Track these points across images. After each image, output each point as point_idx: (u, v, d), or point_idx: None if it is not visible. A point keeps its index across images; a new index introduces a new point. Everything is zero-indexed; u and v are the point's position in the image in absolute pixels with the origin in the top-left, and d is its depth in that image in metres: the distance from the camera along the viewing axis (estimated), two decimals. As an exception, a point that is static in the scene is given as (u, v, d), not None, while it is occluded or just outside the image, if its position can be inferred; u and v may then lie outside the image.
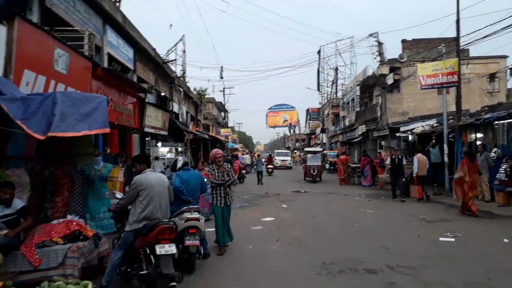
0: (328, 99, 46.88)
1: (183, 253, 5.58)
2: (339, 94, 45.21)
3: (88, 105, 5.31)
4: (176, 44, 29.41)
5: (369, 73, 30.56)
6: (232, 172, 6.86)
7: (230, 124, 62.23)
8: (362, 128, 24.57)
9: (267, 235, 7.98)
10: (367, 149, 21.55)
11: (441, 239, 7.21)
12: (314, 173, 20.40)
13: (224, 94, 48.36)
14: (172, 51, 30.27)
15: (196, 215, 5.77)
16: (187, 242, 5.47)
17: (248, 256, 6.41)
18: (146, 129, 13.69)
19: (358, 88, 31.94)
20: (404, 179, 13.56)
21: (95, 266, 5.52)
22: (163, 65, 20.77)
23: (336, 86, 46.78)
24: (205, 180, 6.79)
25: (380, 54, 21.02)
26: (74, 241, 5.25)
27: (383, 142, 20.12)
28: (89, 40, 10.36)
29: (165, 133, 16.40)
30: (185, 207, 5.84)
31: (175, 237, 4.61)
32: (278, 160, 37.89)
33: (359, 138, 25.43)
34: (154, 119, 14.74)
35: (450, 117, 18.15)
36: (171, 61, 21.70)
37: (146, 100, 14.10)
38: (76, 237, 5.32)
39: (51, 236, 5.17)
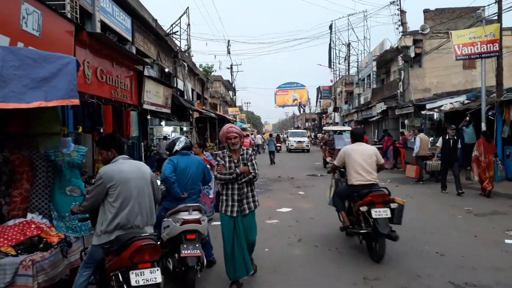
0: (341, 76, 44.87)
1: (179, 266, 4.19)
2: (352, 71, 43.26)
3: (46, 68, 3.85)
4: (180, 17, 27.62)
5: (387, 47, 28.56)
6: (255, 161, 4.38)
7: (238, 103, 60.63)
8: (380, 106, 22.84)
9: (286, 232, 6.56)
10: (388, 128, 19.82)
11: (506, 241, 5.71)
12: None
13: (231, 72, 46.61)
14: (176, 25, 28.56)
15: (196, 215, 4.34)
16: (184, 253, 4.06)
17: (265, 264, 4.99)
18: (146, 106, 12.25)
19: (374, 63, 30.01)
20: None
21: (67, 278, 4.19)
22: (165, 37, 19.13)
23: (349, 62, 44.75)
24: (209, 168, 5.35)
25: (403, 23, 19.10)
26: (31, 251, 3.88)
27: (406, 121, 18.46)
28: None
29: (168, 110, 14.94)
30: (181, 205, 4.41)
31: (159, 258, 3.16)
32: (292, 141, 31.50)
33: (377, 117, 23.74)
34: (154, 95, 13.28)
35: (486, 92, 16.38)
36: (174, 33, 20.03)
37: (145, 74, 12.62)
38: (34, 245, 3.95)
39: None
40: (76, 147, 4.64)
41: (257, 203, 4.60)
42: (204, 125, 23.70)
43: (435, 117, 17.98)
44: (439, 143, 10.43)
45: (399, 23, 19.34)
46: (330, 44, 47.34)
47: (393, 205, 5.14)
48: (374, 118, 24.30)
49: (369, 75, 32.04)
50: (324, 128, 23.54)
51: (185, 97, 20.23)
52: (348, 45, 44.81)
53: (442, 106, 15.84)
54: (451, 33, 12.38)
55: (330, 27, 45.99)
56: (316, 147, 34.95)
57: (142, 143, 12.42)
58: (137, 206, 3.25)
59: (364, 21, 48.21)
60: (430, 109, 16.25)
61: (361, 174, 5.35)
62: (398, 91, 21.89)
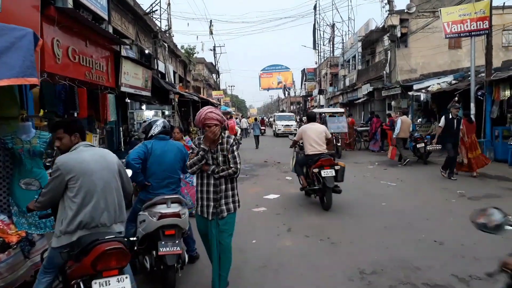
0: (325, 58, 44.34)
1: (157, 264, 3.74)
2: (337, 52, 42.74)
3: (-4, 41, 3.28)
4: (161, -4, 26.59)
5: (372, 27, 28.12)
6: (237, 153, 3.64)
7: (222, 87, 59.63)
8: (366, 88, 22.52)
9: (274, 221, 6.18)
10: (374, 110, 19.50)
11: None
12: (338, 145, 14.37)
13: (214, 54, 45.60)
14: (156, 4, 27.43)
15: (175, 208, 3.87)
16: (162, 250, 3.61)
17: (252, 259, 4.60)
18: (124, 89, 11.58)
19: (359, 44, 29.58)
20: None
21: (32, 280, 3.71)
22: (144, 17, 18.23)
23: (333, 44, 44.20)
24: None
25: (389, 2, 18.62)
26: (-16, 255, 3.38)
27: (393, 103, 18.20)
28: (35, -30, 8.04)
29: (148, 93, 14.27)
30: (158, 197, 3.93)
31: (127, 263, 2.68)
32: (279, 125, 30.78)
33: (363, 99, 23.44)
34: (133, 77, 12.59)
35: (469, 73, 16.19)
36: (154, 11, 19.10)
37: (123, 54, 11.92)
38: (-12, 247, 3.45)
39: None
40: (37, 133, 4.09)
41: (237, 204, 3.89)
42: (188, 109, 23.02)
43: (421, 98, 17.77)
44: (442, 122, 9.65)
45: (386, 1, 18.85)
46: (314, 25, 46.57)
47: (336, 167, 6.80)
48: (360, 100, 24.01)
49: (354, 56, 31.61)
50: (318, 110, 19.67)
51: (167, 80, 19.49)
52: (333, 26, 44.23)
53: (429, 86, 15.60)
54: (440, 10, 11.99)
55: (315, 7, 45.23)
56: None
57: (121, 128, 11.80)
58: (102, 202, 2.76)
59: (348, 1, 47.60)
60: (417, 90, 16.00)
61: (314, 146, 6.97)
62: (384, 72, 21.57)
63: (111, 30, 13.95)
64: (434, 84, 15.40)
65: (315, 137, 6.97)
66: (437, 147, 10.84)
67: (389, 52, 20.06)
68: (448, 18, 11.55)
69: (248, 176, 10.61)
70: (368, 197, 7.70)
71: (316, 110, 20.59)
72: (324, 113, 16.37)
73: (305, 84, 54.61)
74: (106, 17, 13.82)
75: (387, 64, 20.16)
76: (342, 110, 17.88)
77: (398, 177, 9.75)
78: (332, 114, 16.09)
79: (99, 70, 10.05)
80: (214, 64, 48.06)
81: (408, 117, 16.64)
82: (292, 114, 39.17)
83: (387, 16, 19.06)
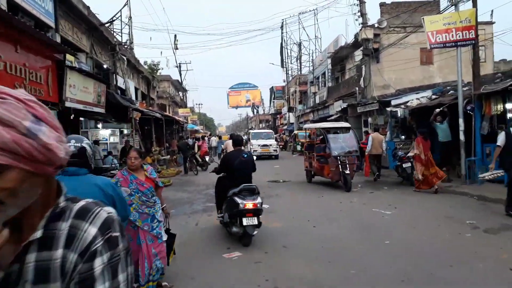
0: (293, 76, 43.88)
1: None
2: (304, 70, 42.39)
3: None
4: (121, 9, 25.00)
5: (342, 43, 27.67)
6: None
7: (189, 105, 57.89)
8: (339, 105, 21.68)
9: (253, 274, 4.64)
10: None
11: None
12: (346, 173, 10.48)
13: (180, 71, 44.03)
14: (117, 18, 25.78)
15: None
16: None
17: None
18: (69, 104, 9.87)
19: (329, 61, 29.03)
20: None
21: None
22: (100, 27, 16.54)
23: (300, 62, 43.90)
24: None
25: (363, 14, 17.99)
26: None
27: (369, 119, 17.32)
28: None
29: (101, 110, 12.53)
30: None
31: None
32: (255, 145, 23.87)
33: (335, 116, 22.57)
34: (82, 91, 10.87)
35: (447, 88, 15.56)
36: (111, 22, 17.45)
37: (68, 64, 10.24)
38: None
39: None
40: None
41: None
42: (150, 128, 21.21)
43: (399, 114, 16.95)
44: (501, 140, 7.15)
45: (359, 14, 18.20)
46: (281, 44, 46.36)
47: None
48: (333, 117, 23.13)
49: (323, 73, 31.05)
50: (305, 126, 16.22)
51: (128, 96, 17.73)
52: (299, 44, 44.06)
53: (407, 102, 14.78)
54: (423, 18, 11.14)
55: (282, 26, 45.01)
56: (286, 152, 30.74)
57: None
58: None
59: (315, 19, 47.80)
60: (395, 106, 15.14)
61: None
62: (356, 88, 20.83)
63: (58, 40, 12.23)
64: (413, 100, 14.59)
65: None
66: (499, 174, 7.90)
67: (363, 67, 19.30)
68: (432, 27, 10.70)
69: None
70: (365, 231, 6.33)
71: (306, 125, 17.43)
72: (321, 128, 13.13)
73: (273, 102, 53.95)
74: (52, 24, 12.09)
75: (362, 79, 19.38)
76: (347, 124, 13.79)
77: (390, 203, 8.50)
78: (337, 128, 13.04)
79: (35, 82, 8.36)
80: (180, 81, 46.41)
81: (386, 133, 15.77)
82: (270, 131, 30.43)
83: (361, 29, 18.38)
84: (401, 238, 5.87)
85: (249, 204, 5.55)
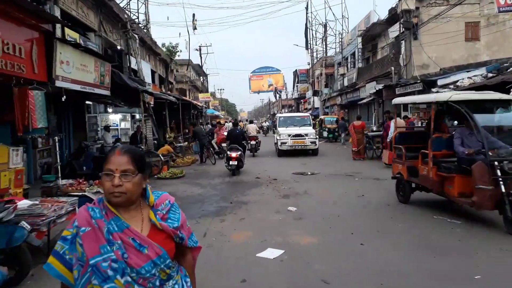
0: (319, 58, 41.52)
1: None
2: (331, 52, 39.99)
3: None
4: (137, -14, 23.49)
5: (374, 20, 25.33)
6: None
7: (210, 90, 56.41)
8: (372, 87, 19.57)
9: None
10: (389, 111, 16.15)
11: None
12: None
13: (200, 54, 42.32)
14: (132, -3, 24.25)
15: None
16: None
17: None
18: (61, 84, 8.36)
19: (359, 40, 26.70)
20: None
21: None
22: (109, 2, 14.97)
23: (326, 44, 41.48)
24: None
25: (404, -18, 15.74)
26: None
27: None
28: None
29: (105, 91, 11.00)
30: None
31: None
32: (284, 135, 16.48)
33: (368, 99, 20.47)
34: (79, 69, 9.33)
35: (505, 65, 13.24)
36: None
37: (57, 36, 8.73)
38: None
39: None
40: None
41: None
42: (172, 113, 19.72)
43: (393, 103, 14.85)
44: None
45: (398, -19, 15.94)
46: (306, 24, 43.95)
47: None
48: (364, 101, 21.03)
49: (353, 54, 28.74)
50: (398, 100, 8.69)
51: (141, 77, 16.21)
52: (325, 25, 41.59)
53: (457, 81, 12.63)
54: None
55: (306, 7, 42.54)
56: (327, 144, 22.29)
57: (56, 138, 8.54)
58: None
59: (342, -1, 44.99)
60: (442, 86, 13.00)
61: None
62: (392, 68, 18.63)
63: (58, 13, 10.72)
64: (464, 79, 12.42)
65: None
66: None
67: (402, 43, 17.09)
68: (502, -15, 8.57)
69: (232, 206, 7.40)
70: (433, 254, 4.53)
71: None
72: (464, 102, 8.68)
73: (297, 86, 51.70)
74: (49, -7, 10.57)
75: (401, 57, 17.18)
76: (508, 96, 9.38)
77: (454, 207, 6.61)
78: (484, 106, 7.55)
79: (12, 55, 6.86)
80: (200, 65, 44.83)
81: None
82: (306, 115, 20.88)
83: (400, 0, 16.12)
84: (490, 272, 4.04)
85: (232, 154, 11.43)
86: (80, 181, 8.30)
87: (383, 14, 24.53)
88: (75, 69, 9.06)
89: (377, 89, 18.03)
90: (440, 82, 13.08)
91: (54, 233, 5.32)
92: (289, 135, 16.21)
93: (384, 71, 20.27)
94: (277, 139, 16.92)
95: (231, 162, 11.34)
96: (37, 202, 5.27)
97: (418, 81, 13.95)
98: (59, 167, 8.29)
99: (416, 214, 6.38)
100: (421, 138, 7.18)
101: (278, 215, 6.55)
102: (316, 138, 16.25)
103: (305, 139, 16.00)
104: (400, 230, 5.50)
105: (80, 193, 7.68)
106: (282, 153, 16.17)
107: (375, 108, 21.03)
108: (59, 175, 8.26)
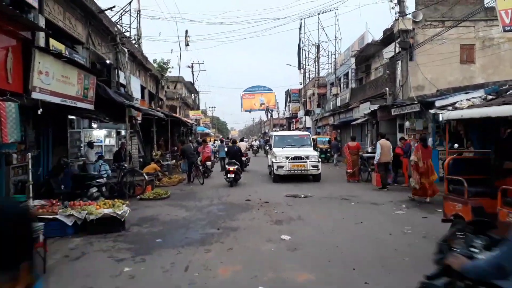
0: (311, 78, 41.52)
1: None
2: (323, 73, 40.03)
3: None
4: (130, 2, 23.09)
5: (368, 40, 25.28)
6: None
7: (202, 107, 55.94)
8: (367, 107, 19.22)
9: None
10: (384, 132, 15.60)
11: None
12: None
13: (192, 71, 42.11)
14: (125, 12, 23.87)
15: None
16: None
17: None
18: (38, 95, 7.72)
19: (353, 60, 26.60)
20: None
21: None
22: (99, 15, 14.48)
23: (318, 64, 41.62)
24: None
25: (400, 2, 15.55)
26: None
27: (407, 123, 14.83)
28: None
29: (89, 106, 10.36)
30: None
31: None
32: (281, 158, 13.99)
33: (362, 119, 20.11)
34: (60, 81, 8.70)
35: (504, 87, 12.97)
36: (110, 8, 15.40)
37: (37, 44, 8.15)
38: None
39: None
40: None
41: None
42: (161, 130, 19.04)
43: (440, 118, 14.45)
44: None
45: (395, 1, 15.74)
46: (299, 45, 44.19)
47: None
48: (359, 121, 20.66)
49: (346, 74, 28.60)
50: (450, 115, 7.35)
51: (129, 92, 15.59)
52: (318, 46, 41.86)
53: (456, 103, 12.24)
54: (494, -3, 8.68)
55: (300, 27, 42.86)
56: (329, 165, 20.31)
57: (29, 154, 7.82)
58: None
59: (335, 20, 45.48)
60: (440, 108, 12.61)
61: None
62: (386, 88, 18.34)
63: (42, 23, 10.15)
64: (463, 101, 12.01)
65: None
66: None
67: (398, 63, 16.83)
68: (506, 4, 8.26)
69: (220, 232, 6.72)
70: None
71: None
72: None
73: (289, 105, 51.55)
74: (35, 3, 10.01)
75: (397, 77, 16.91)
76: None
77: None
78: None
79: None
80: (192, 82, 44.48)
81: (428, 141, 13.34)
82: (306, 134, 17.78)
83: (398, 19, 15.93)
84: None
85: (231, 168, 12.98)
86: (54, 202, 7.59)
87: (377, 36, 24.52)
88: (56, 81, 8.43)
89: (372, 109, 17.68)
90: (438, 103, 12.71)
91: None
92: (287, 158, 13.68)
93: (378, 92, 19.98)
94: (272, 162, 14.33)
95: (229, 175, 12.91)
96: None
97: (415, 102, 13.58)
98: (30, 186, 7.55)
99: (424, 245, 5.77)
100: (483, 167, 5.91)
101: (270, 244, 5.89)
102: (319, 162, 13.88)
103: (306, 162, 13.52)
104: (408, 266, 4.88)
105: (51, 216, 7.01)
106: (278, 179, 13.78)
107: (369, 128, 20.66)
108: (31, 195, 7.52)
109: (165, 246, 5.93)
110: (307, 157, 13.72)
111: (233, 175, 12.79)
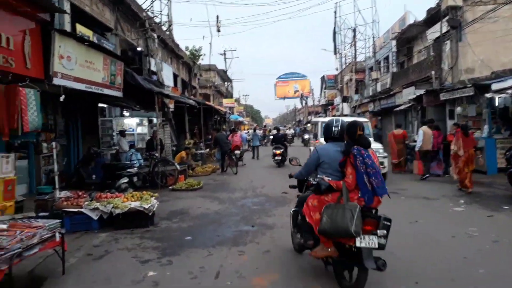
0: (348, 63, 39.87)
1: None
2: (360, 57, 38.30)
3: None
4: (161, -13, 22.68)
5: (409, 21, 23.61)
6: None
7: (235, 95, 55.50)
8: (409, 92, 17.88)
9: None
10: (433, 119, 14.15)
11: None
12: None
13: (225, 58, 41.49)
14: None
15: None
16: None
17: None
18: (60, 81, 7.32)
19: (393, 43, 25.00)
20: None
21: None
22: (127, 0, 14.04)
23: (355, 48, 39.84)
24: None
25: (450, -25, 14.12)
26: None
27: (458, 109, 13.48)
28: None
29: (117, 93, 9.96)
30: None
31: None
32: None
33: (405, 105, 18.76)
34: (84, 66, 8.27)
35: None
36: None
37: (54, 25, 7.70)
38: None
39: None
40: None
41: None
42: (192, 118, 18.66)
43: (496, 103, 13.06)
44: None
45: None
46: (334, 29, 42.49)
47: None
48: (402, 107, 19.29)
49: (386, 58, 27.00)
50: None
51: (159, 80, 15.17)
52: (354, 30, 40.04)
53: (518, 85, 10.87)
54: None
55: (335, 12, 41.12)
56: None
57: (54, 143, 7.45)
58: None
59: (372, 2, 43.27)
60: (498, 91, 11.27)
61: None
62: (432, 72, 16.89)
63: (67, 7, 9.78)
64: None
65: None
66: None
67: (447, 43, 15.37)
68: None
69: (255, 230, 6.06)
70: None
71: None
72: None
73: (324, 92, 50.01)
74: (58, -14, 9.61)
75: (445, 59, 15.47)
76: None
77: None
78: None
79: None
80: (225, 70, 43.96)
81: (484, 127, 12.08)
82: (365, 120, 13.75)
83: (446, -7, 14.46)
84: None
85: (277, 151, 15.39)
86: (80, 193, 7.18)
87: (418, 17, 22.82)
88: (79, 66, 8.00)
89: (416, 94, 16.33)
90: (494, 86, 11.33)
91: (23, 269, 4.16)
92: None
93: (422, 76, 18.52)
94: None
95: (276, 157, 15.45)
96: (4, 227, 4.11)
97: (469, 85, 12.22)
98: (56, 176, 7.19)
99: (498, 253, 4.83)
100: None
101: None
102: (385, 157, 10.74)
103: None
104: (485, 280, 4.00)
105: (76, 209, 6.61)
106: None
107: (413, 115, 19.28)
108: (57, 186, 7.17)
109: (195, 246, 5.34)
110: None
111: (280, 157, 15.26)
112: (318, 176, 3.97)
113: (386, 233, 3.53)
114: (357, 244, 3.44)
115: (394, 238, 5.51)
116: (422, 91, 15.73)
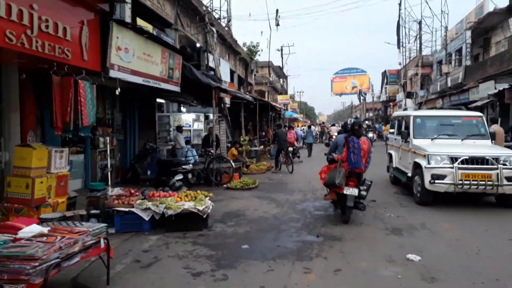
0: (412, 57, 37.39)
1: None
2: (426, 51, 35.68)
3: None
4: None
5: (488, 9, 21.31)
6: None
7: (290, 92, 54.57)
8: (487, 87, 15.99)
9: None
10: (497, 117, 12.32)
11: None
12: None
13: (282, 55, 40.69)
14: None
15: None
16: None
17: None
18: (116, 74, 7.00)
19: (468, 33, 22.74)
20: None
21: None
22: (188, -7, 13.77)
23: (421, 42, 37.22)
24: None
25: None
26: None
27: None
28: None
29: (174, 87, 9.62)
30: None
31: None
32: (439, 157, 7.28)
33: (482, 102, 16.84)
34: (141, 59, 7.96)
35: None
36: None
37: (115, 17, 7.40)
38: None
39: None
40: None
41: None
42: (248, 114, 18.20)
43: None
44: None
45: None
46: (398, 22, 40.11)
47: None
48: (478, 103, 17.37)
49: (458, 50, 24.67)
50: None
51: (217, 75, 14.79)
52: (420, 22, 37.48)
53: None
54: None
55: (400, 3, 38.73)
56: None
57: (108, 138, 7.19)
58: None
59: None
60: None
61: None
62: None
63: (128, 1, 9.58)
64: None
65: None
66: None
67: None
68: None
69: (321, 241, 5.26)
70: None
71: None
72: None
73: (385, 88, 47.47)
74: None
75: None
76: None
77: None
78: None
79: (55, 36, 5.56)
80: (281, 67, 43.21)
81: None
82: (478, 115, 9.12)
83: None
84: None
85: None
86: (132, 191, 6.83)
87: (500, 3, 20.50)
88: (137, 59, 7.67)
89: (498, 89, 14.49)
90: None
91: (66, 275, 3.73)
92: (452, 160, 7.20)
93: (503, 69, 16.46)
94: (415, 164, 7.93)
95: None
96: (45, 230, 3.72)
97: None
98: (109, 173, 6.90)
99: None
100: None
101: (393, 267, 4.27)
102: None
103: (494, 170, 7.00)
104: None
105: (127, 209, 6.25)
106: (431, 199, 7.49)
107: (489, 112, 17.29)
108: (109, 183, 6.89)
109: (253, 257, 4.69)
110: (496, 160, 7.11)
111: None
112: (332, 153, 6.56)
113: (367, 188, 6.32)
114: (344, 192, 6.06)
115: (493, 258, 4.46)
116: (506, 85, 13.88)
